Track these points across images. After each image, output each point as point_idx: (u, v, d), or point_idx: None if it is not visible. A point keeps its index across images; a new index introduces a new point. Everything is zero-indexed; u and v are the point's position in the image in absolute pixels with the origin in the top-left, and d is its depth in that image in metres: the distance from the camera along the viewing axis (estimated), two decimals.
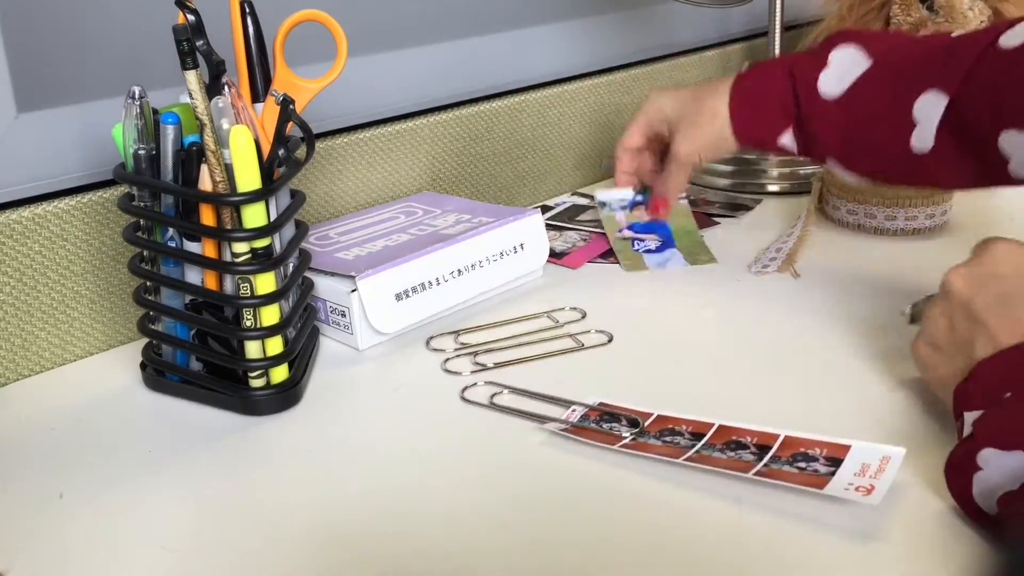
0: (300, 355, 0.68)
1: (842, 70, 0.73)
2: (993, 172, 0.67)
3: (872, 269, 0.84)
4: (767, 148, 0.79)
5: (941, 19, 1.07)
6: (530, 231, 0.82)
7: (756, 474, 0.53)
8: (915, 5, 1.08)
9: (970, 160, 0.68)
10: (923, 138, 0.69)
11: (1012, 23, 0.66)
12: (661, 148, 0.85)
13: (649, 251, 0.87)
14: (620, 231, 0.90)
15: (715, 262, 0.86)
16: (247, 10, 0.66)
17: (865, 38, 0.74)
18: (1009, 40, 0.65)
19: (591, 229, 0.95)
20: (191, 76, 0.61)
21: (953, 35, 0.71)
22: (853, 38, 0.74)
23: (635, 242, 0.88)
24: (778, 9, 1.09)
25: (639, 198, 0.88)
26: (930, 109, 0.68)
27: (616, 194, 0.89)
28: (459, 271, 0.77)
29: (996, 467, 0.48)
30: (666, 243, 0.89)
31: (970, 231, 0.91)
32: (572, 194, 1.07)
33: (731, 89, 0.79)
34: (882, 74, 0.72)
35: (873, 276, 0.82)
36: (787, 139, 0.77)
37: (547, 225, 0.86)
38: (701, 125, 0.80)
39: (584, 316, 0.77)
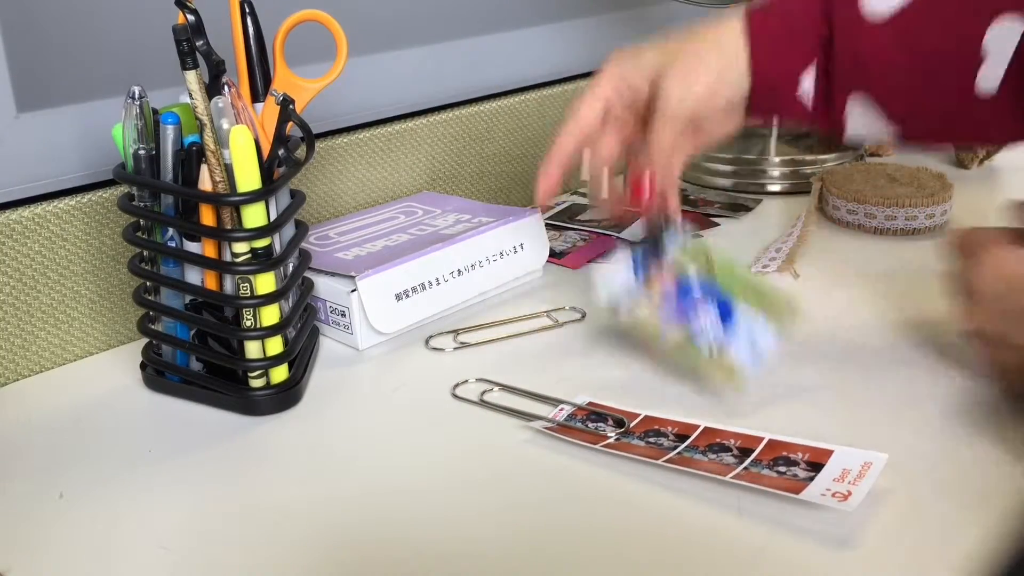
0: (300, 355, 0.68)
1: None
2: None
3: (872, 269, 0.84)
4: (779, 98, 0.63)
5: None
6: (530, 231, 0.82)
7: (735, 477, 0.53)
8: None
9: None
10: (990, 77, 0.56)
11: None
12: (632, 131, 0.67)
13: (716, 338, 0.62)
14: (662, 330, 0.62)
15: (798, 315, 0.64)
16: (247, 10, 0.66)
17: None
18: None
19: (591, 229, 0.95)
20: (191, 76, 0.61)
21: None
22: None
23: (694, 334, 0.62)
24: None
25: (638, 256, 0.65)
26: (1004, 40, 0.56)
27: (616, 277, 0.66)
28: (459, 271, 0.77)
29: None
30: (724, 310, 0.62)
31: None
32: (572, 194, 1.07)
33: (745, 15, 0.63)
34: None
35: (873, 276, 0.82)
36: (807, 81, 0.62)
37: (547, 225, 0.86)
38: (699, 62, 0.63)
39: (584, 316, 0.77)
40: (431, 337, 0.74)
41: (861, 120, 0.62)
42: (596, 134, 0.67)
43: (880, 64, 0.60)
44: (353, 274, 0.71)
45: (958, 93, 0.58)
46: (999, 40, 0.56)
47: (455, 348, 0.73)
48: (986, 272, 0.55)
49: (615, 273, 0.66)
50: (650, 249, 0.66)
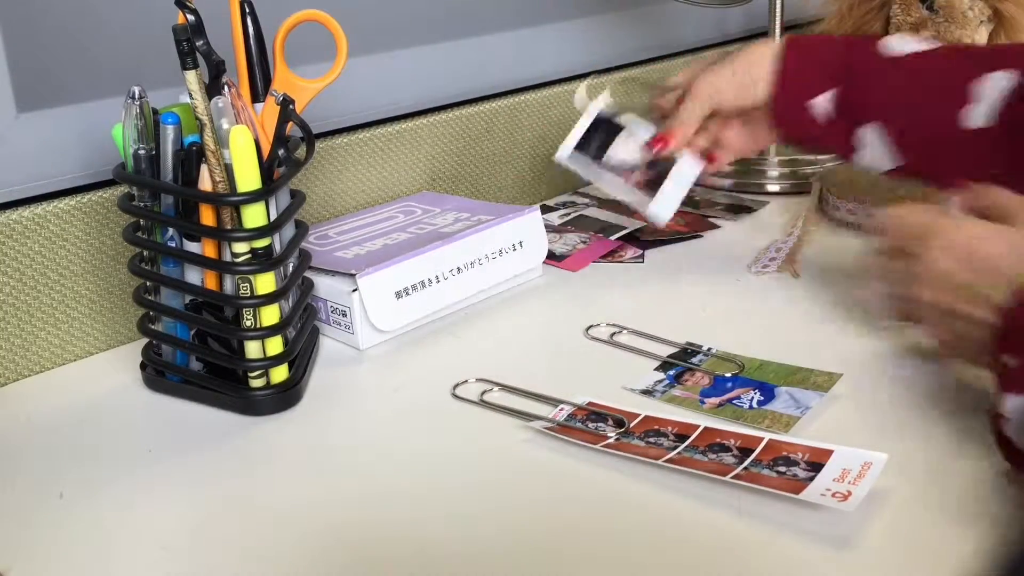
0: (300, 355, 0.68)
1: (909, 42, 0.74)
2: None
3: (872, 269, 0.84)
4: (794, 112, 0.76)
5: (941, 19, 1.07)
6: (529, 229, 0.82)
7: (735, 477, 0.53)
8: (915, 5, 1.08)
9: None
10: (979, 115, 0.69)
11: None
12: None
13: (763, 403, 0.63)
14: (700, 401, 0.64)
15: (840, 375, 0.65)
16: (247, 10, 0.66)
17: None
18: None
19: (591, 231, 0.95)
20: (191, 76, 0.61)
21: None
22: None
23: (735, 402, 0.63)
24: (778, 9, 1.09)
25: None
26: (994, 88, 0.69)
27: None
28: (458, 269, 0.77)
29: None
30: (764, 389, 0.64)
31: None
32: (572, 194, 1.07)
33: (786, 38, 0.78)
34: (949, 51, 0.73)
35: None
36: (822, 100, 0.74)
37: (546, 226, 0.86)
38: (735, 68, 0.78)
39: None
40: (432, 337, 0.74)
41: (869, 148, 0.74)
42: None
43: (885, 94, 0.73)
44: (353, 272, 0.71)
45: (952, 126, 0.70)
46: (989, 87, 0.70)
47: (456, 348, 0.73)
48: (934, 248, 0.58)
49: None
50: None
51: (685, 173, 0.82)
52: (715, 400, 0.64)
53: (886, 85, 0.73)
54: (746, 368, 0.67)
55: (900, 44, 0.74)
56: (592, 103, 0.85)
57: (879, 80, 0.73)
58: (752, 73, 0.77)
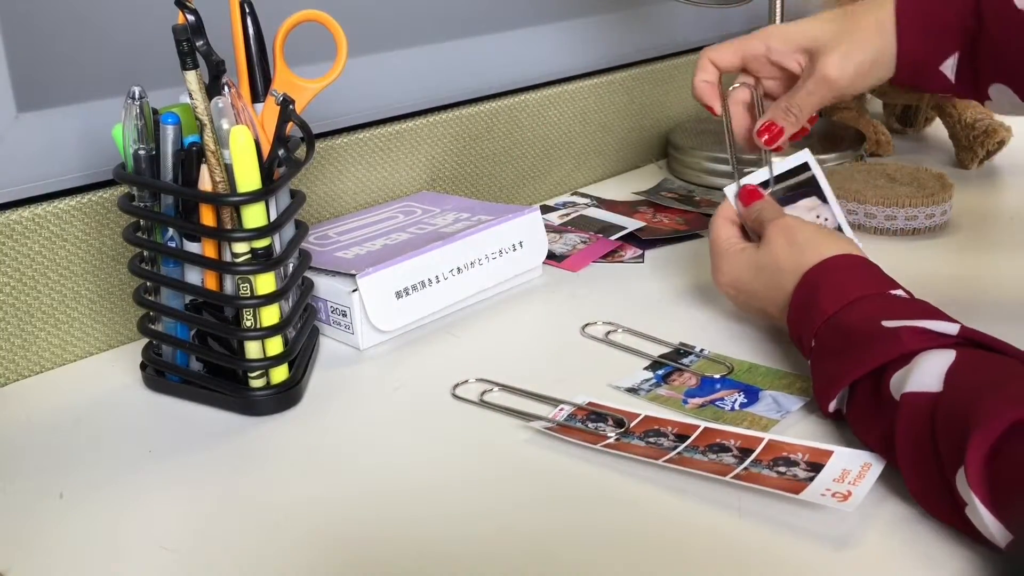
0: (300, 355, 0.68)
1: None
2: None
3: None
4: (922, 77, 0.71)
5: None
6: (529, 229, 0.82)
7: (735, 477, 0.53)
8: None
9: None
10: None
11: None
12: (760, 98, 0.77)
13: (745, 405, 0.63)
14: (684, 401, 0.64)
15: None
16: (247, 10, 0.66)
17: None
18: None
19: (591, 231, 0.95)
20: (191, 76, 0.61)
21: None
22: None
23: (717, 403, 0.64)
24: (778, 9, 1.09)
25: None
26: None
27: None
28: (458, 268, 0.77)
29: None
30: (748, 392, 0.65)
31: (970, 231, 0.92)
32: (572, 194, 1.07)
33: (897, 1, 0.71)
34: None
35: None
36: (949, 65, 0.69)
37: (546, 226, 0.86)
38: (862, 41, 0.70)
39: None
40: (432, 336, 0.74)
41: (1002, 101, 0.69)
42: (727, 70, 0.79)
43: (1020, 57, 0.66)
44: (353, 272, 0.71)
45: None
46: None
47: (456, 348, 0.73)
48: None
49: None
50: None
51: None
52: (698, 400, 0.64)
53: (1012, 47, 0.66)
54: (735, 370, 0.67)
55: None
56: (802, 151, 0.79)
57: (1005, 40, 0.66)
58: (880, 55, 0.70)
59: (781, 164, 0.77)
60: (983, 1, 0.67)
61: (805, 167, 0.78)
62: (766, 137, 0.75)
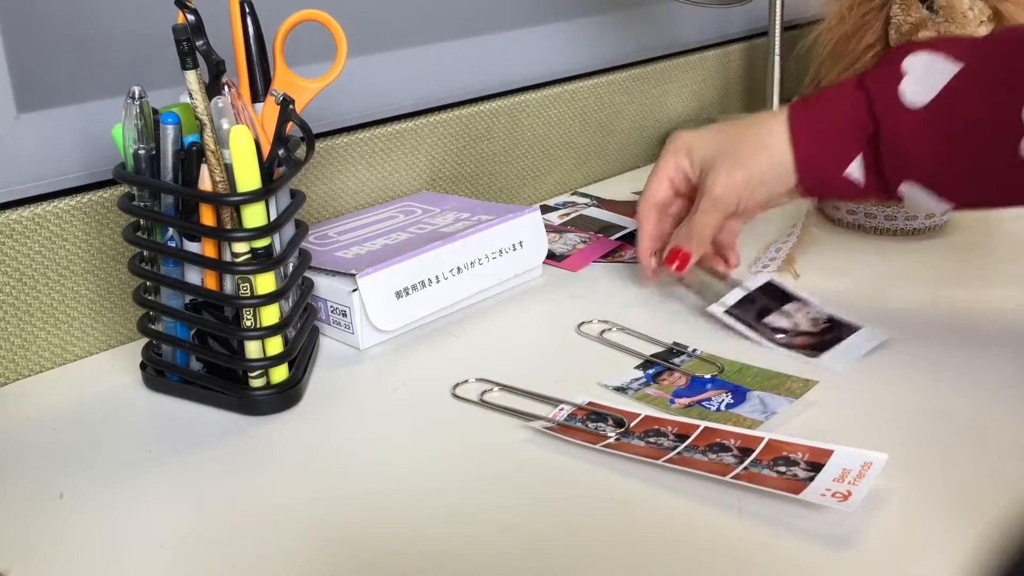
0: (300, 355, 0.68)
1: (925, 76, 0.65)
2: None
3: (872, 269, 0.84)
4: (828, 186, 0.70)
5: (941, 19, 1.07)
6: (529, 229, 0.82)
7: (735, 477, 0.53)
8: (915, 5, 1.08)
9: None
10: None
11: None
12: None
13: (731, 406, 0.63)
14: (670, 401, 0.64)
15: (816, 382, 0.65)
16: (247, 10, 0.66)
17: (938, 44, 0.66)
18: None
19: (591, 231, 0.95)
20: (191, 76, 0.61)
21: None
22: (924, 46, 0.66)
23: (703, 404, 0.63)
24: (778, 9, 1.09)
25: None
26: None
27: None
28: (458, 268, 0.77)
29: None
30: (736, 392, 0.65)
31: (970, 231, 0.92)
32: (572, 194, 1.07)
33: (789, 111, 0.70)
34: (977, 78, 0.63)
35: (873, 276, 0.82)
36: (855, 168, 0.68)
37: (546, 226, 0.86)
38: (744, 156, 0.70)
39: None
40: (431, 336, 0.74)
41: (916, 199, 0.68)
42: (668, 206, 0.78)
43: (925, 153, 0.65)
44: (353, 272, 0.71)
45: (1008, 162, 0.62)
46: None
47: (456, 348, 0.73)
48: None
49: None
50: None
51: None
52: (685, 400, 0.64)
53: (918, 144, 0.65)
54: (726, 371, 0.67)
55: (916, 87, 0.65)
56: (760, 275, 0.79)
57: (909, 139, 0.65)
58: (770, 168, 0.70)
59: (749, 282, 0.77)
60: (874, 103, 0.67)
61: (770, 285, 0.77)
62: (676, 264, 0.74)
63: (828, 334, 0.71)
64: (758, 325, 0.72)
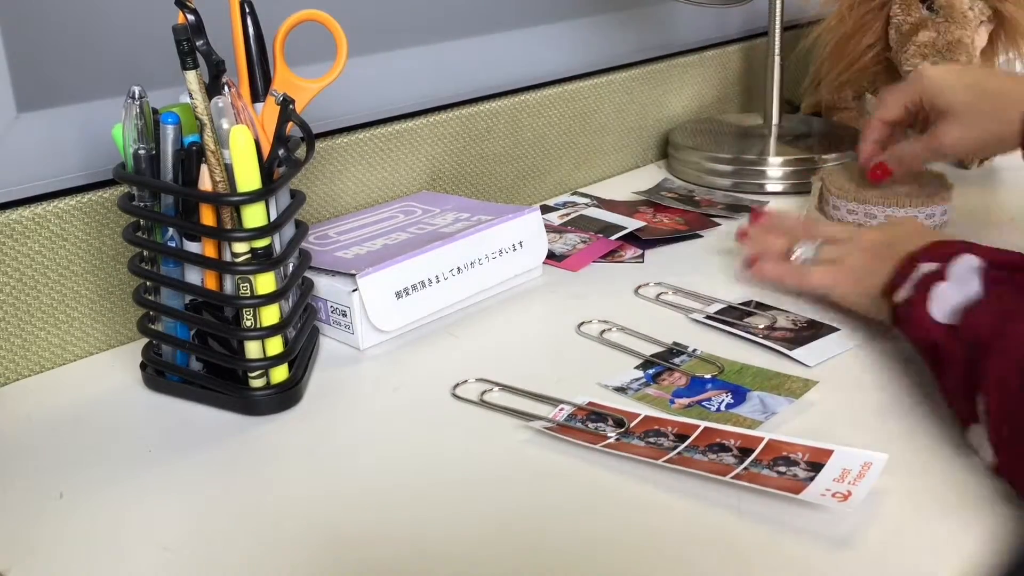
0: (300, 355, 0.68)
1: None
2: None
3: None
4: None
5: (941, 19, 1.07)
6: (529, 229, 0.82)
7: (735, 477, 0.53)
8: (915, 5, 1.08)
9: None
10: None
11: None
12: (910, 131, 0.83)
13: (731, 406, 0.63)
14: (670, 401, 0.64)
15: (816, 382, 0.65)
16: (247, 10, 0.66)
17: None
18: None
19: (591, 231, 0.95)
20: (191, 76, 0.61)
21: None
22: None
23: (703, 404, 0.63)
24: (778, 9, 1.09)
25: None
26: None
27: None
28: (458, 268, 0.77)
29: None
30: (736, 392, 0.65)
31: (970, 232, 0.91)
32: (572, 194, 1.07)
33: None
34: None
35: None
36: None
37: (546, 226, 0.86)
38: (984, 119, 0.74)
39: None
40: (431, 337, 0.74)
41: None
42: (897, 124, 0.86)
43: None
44: (353, 272, 0.71)
45: None
46: None
47: (456, 348, 0.73)
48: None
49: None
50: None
51: None
52: (684, 401, 0.64)
53: None
54: (725, 371, 0.67)
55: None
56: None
57: None
58: (1008, 137, 0.74)
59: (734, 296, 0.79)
60: None
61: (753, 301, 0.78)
62: (877, 174, 0.85)
63: (806, 331, 0.72)
64: (738, 323, 0.74)
